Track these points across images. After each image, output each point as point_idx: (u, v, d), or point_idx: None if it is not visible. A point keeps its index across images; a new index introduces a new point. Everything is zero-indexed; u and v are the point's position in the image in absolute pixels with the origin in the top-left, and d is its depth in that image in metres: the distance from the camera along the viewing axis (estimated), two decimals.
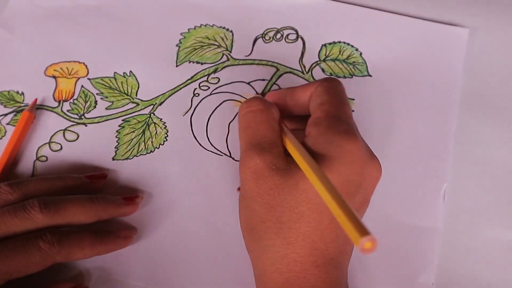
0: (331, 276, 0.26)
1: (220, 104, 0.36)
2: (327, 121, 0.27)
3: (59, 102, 0.36)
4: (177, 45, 0.38)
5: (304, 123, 0.29)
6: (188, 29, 0.38)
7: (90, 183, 0.32)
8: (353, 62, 0.37)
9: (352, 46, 0.37)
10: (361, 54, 0.37)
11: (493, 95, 0.36)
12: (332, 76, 0.29)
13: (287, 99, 0.31)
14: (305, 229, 0.25)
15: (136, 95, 0.36)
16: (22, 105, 0.36)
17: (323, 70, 0.37)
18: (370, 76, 0.37)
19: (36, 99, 0.36)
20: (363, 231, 0.18)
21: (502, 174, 0.34)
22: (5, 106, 0.36)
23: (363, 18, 0.38)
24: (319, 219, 0.25)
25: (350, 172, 0.26)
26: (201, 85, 0.36)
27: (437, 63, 0.37)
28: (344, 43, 0.38)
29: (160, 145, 0.35)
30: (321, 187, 0.22)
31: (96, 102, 0.36)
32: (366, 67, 0.37)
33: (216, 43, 0.38)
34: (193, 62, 0.37)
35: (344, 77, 0.37)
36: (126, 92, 0.36)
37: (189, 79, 0.37)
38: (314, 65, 0.37)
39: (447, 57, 0.37)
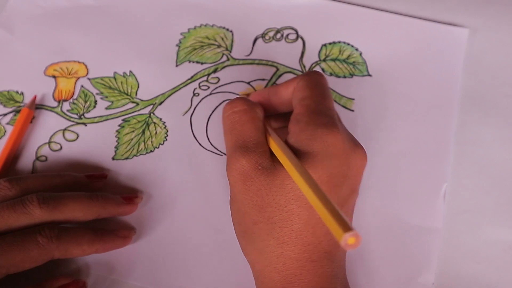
0: (327, 269, 0.26)
1: (220, 104, 0.36)
2: (308, 116, 0.27)
3: (59, 102, 0.36)
4: (177, 45, 0.38)
5: (286, 121, 0.29)
6: (188, 29, 0.38)
7: (90, 183, 0.32)
8: (353, 62, 0.37)
9: (352, 46, 0.37)
10: (361, 54, 0.37)
11: (493, 95, 0.36)
12: (315, 70, 0.29)
13: (271, 98, 0.31)
14: (296, 226, 0.25)
15: (136, 95, 0.36)
16: (21, 104, 0.36)
17: (323, 70, 0.37)
18: (370, 76, 0.37)
19: (36, 96, 0.36)
20: (346, 227, 0.18)
21: (502, 174, 0.34)
22: (4, 106, 0.36)
23: (363, 18, 0.38)
24: (309, 215, 0.25)
25: (334, 165, 0.26)
26: (201, 85, 0.36)
27: (437, 63, 0.37)
28: (344, 43, 0.38)
29: (160, 145, 0.35)
30: (303, 184, 0.22)
31: (96, 102, 0.36)
32: (366, 67, 0.37)
33: (216, 43, 0.38)
34: (193, 62, 0.37)
35: (344, 77, 0.37)
36: (126, 92, 0.36)
37: (189, 79, 0.37)
38: (314, 65, 0.37)
39: (447, 57, 0.37)
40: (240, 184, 0.26)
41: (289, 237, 0.25)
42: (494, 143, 0.35)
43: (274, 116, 0.32)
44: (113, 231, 0.31)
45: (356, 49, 0.37)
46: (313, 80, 0.29)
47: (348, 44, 0.38)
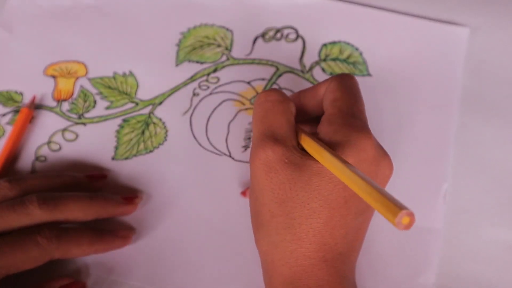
0: (338, 270, 0.26)
1: (220, 104, 0.36)
2: (341, 118, 0.26)
3: (58, 101, 0.36)
4: (176, 45, 0.37)
5: (315, 127, 0.28)
6: (188, 29, 0.38)
7: (89, 183, 0.32)
8: (353, 61, 0.37)
9: (352, 45, 0.37)
10: (361, 54, 0.37)
11: (493, 95, 0.36)
12: (346, 72, 0.29)
13: (301, 100, 0.30)
14: (315, 225, 0.25)
15: (136, 95, 0.36)
16: (20, 104, 0.36)
17: (323, 70, 0.37)
18: (370, 76, 0.37)
19: (35, 95, 0.36)
20: (400, 206, 0.17)
21: (502, 174, 0.34)
22: (4, 106, 0.36)
23: (363, 17, 0.38)
24: (330, 215, 0.25)
25: (364, 170, 0.25)
26: (200, 84, 0.36)
27: (438, 63, 0.37)
28: (344, 42, 0.37)
29: (160, 145, 0.35)
30: (346, 172, 0.21)
31: (95, 102, 0.36)
32: (366, 67, 0.37)
33: (216, 43, 0.37)
34: (193, 62, 0.37)
35: None
36: (125, 92, 0.36)
37: (188, 79, 0.36)
38: (314, 64, 0.37)
39: (448, 56, 0.37)
40: (262, 174, 0.26)
41: (306, 234, 0.25)
42: (494, 143, 0.35)
43: (301, 123, 0.31)
44: (113, 231, 0.31)
45: (357, 49, 0.37)
46: (345, 82, 0.28)
47: (349, 43, 0.37)
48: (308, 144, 0.26)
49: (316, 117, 0.29)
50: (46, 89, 0.36)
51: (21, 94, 0.36)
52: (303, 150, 0.26)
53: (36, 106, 0.36)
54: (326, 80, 0.29)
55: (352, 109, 0.27)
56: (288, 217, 0.25)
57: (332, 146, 0.25)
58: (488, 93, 0.36)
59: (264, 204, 0.26)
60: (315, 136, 0.27)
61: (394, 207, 0.17)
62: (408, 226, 0.17)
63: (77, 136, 0.35)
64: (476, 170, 0.34)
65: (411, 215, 0.17)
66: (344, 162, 0.22)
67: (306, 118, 0.31)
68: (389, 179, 0.28)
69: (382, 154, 0.27)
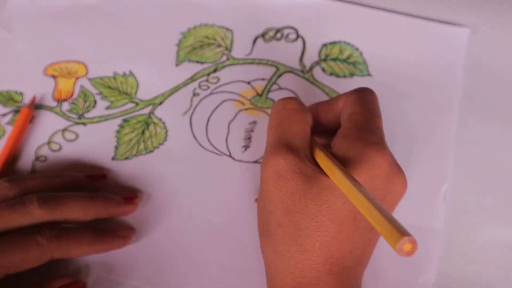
0: (344, 284, 0.25)
1: (220, 104, 0.36)
2: (357, 132, 0.26)
3: (58, 101, 0.36)
4: (177, 45, 0.37)
5: (331, 140, 0.28)
6: (188, 29, 0.38)
7: (89, 183, 0.32)
8: (354, 61, 0.37)
9: (352, 45, 0.37)
10: (361, 54, 0.37)
11: (493, 95, 0.36)
12: (366, 87, 0.29)
13: (319, 111, 0.30)
14: (323, 238, 0.25)
15: (136, 95, 0.36)
16: (21, 104, 0.36)
17: (323, 70, 0.37)
18: (370, 76, 0.37)
19: (35, 95, 0.36)
20: (403, 232, 0.17)
21: (502, 174, 0.34)
22: (4, 106, 0.36)
23: (363, 17, 0.38)
24: (338, 229, 0.25)
25: (375, 187, 0.25)
26: (201, 84, 0.36)
27: (438, 63, 0.37)
28: (345, 42, 0.37)
29: (160, 145, 0.35)
30: (354, 190, 0.21)
31: (95, 102, 0.36)
32: (367, 67, 0.37)
33: (216, 43, 0.37)
34: (193, 62, 0.37)
35: (344, 76, 0.36)
36: (125, 92, 0.36)
37: (188, 79, 0.36)
38: (314, 64, 0.37)
39: (448, 56, 0.37)
40: (272, 183, 0.26)
41: (312, 246, 0.25)
42: (494, 143, 0.35)
43: (317, 134, 0.31)
44: (113, 231, 0.31)
45: (357, 49, 0.37)
46: (364, 96, 0.28)
47: (349, 43, 0.37)
48: (321, 158, 0.26)
49: (333, 129, 0.29)
50: (46, 89, 0.36)
51: (21, 94, 0.36)
52: (316, 162, 0.26)
53: (36, 106, 0.36)
54: (346, 93, 0.29)
55: (369, 124, 0.27)
56: (295, 227, 0.25)
57: (345, 160, 0.25)
58: (488, 93, 0.36)
59: (271, 213, 0.26)
60: (328, 150, 0.27)
61: (397, 233, 0.17)
62: (409, 253, 0.17)
63: (77, 136, 0.35)
64: (476, 170, 0.34)
65: (413, 242, 0.17)
66: (353, 180, 0.22)
67: (322, 130, 0.31)
68: (402, 196, 0.27)
69: (396, 171, 0.26)
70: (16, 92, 0.36)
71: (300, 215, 0.25)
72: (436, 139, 0.34)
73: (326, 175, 0.25)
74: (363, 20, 0.38)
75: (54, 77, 0.37)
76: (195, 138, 0.35)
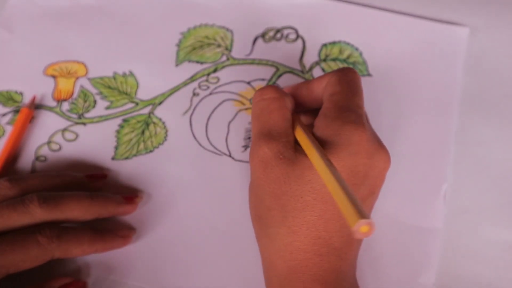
0: (333, 265, 0.26)
1: (220, 104, 0.36)
2: (335, 111, 0.27)
3: (58, 101, 0.36)
4: (176, 45, 0.37)
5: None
6: (188, 29, 0.38)
7: (90, 182, 0.32)
8: (353, 62, 0.37)
9: (352, 45, 0.37)
10: (361, 54, 0.37)
11: (493, 95, 0.36)
12: (348, 66, 0.29)
13: (303, 92, 0.31)
14: (309, 218, 0.25)
15: (136, 95, 0.36)
16: (21, 104, 0.36)
17: (323, 70, 0.37)
18: (370, 76, 0.37)
19: (35, 95, 0.36)
20: (362, 214, 0.18)
21: (502, 174, 0.34)
22: (4, 106, 0.36)
23: (363, 17, 0.38)
24: (324, 208, 0.25)
25: (356, 164, 0.26)
26: (200, 84, 0.36)
27: (437, 63, 0.37)
28: (344, 42, 0.37)
29: (160, 145, 0.35)
30: (325, 170, 0.22)
31: (95, 101, 0.36)
32: (366, 67, 0.37)
33: (216, 43, 0.37)
34: (193, 62, 0.37)
35: None
36: (125, 91, 0.36)
37: (188, 79, 0.36)
38: (314, 64, 0.37)
39: (448, 56, 0.37)
40: (260, 170, 0.26)
41: (300, 227, 0.26)
42: (494, 143, 0.35)
43: (304, 113, 0.32)
44: (113, 231, 0.31)
45: (356, 49, 0.37)
46: (345, 77, 0.28)
47: (348, 44, 0.37)
48: (301, 138, 0.26)
49: (319, 109, 0.30)
50: (46, 89, 0.36)
51: (21, 94, 0.36)
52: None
53: (36, 106, 0.36)
54: (328, 73, 0.29)
55: (348, 102, 0.27)
56: (283, 210, 0.26)
57: (325, 140, 0.26)
58: (488, 93, 0.36)
59: (261, 199, 0.27)
60: (310, 129, 0.27)
61: (357, 215, 0.18)
62: (366, 234, 0.18)
63: (77, 136, 0.35)
64: (476, 170, 0.34)
65: (370, 224, 0.18)
66: (325, 159, 0.23)
67: (305, 109, 0.31)
68: (386, 171, 0.28)
69: (377, 147, 0.27)
70: (16, 92, 0.36)
71: (286, 197, 0.26)
72: (436, 139, 0.34)
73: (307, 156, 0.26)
74: (362, 20, 0.38)
75: (54, 77, 0.37)
76: (195, 138, 0.35)
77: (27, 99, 0.36)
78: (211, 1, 0.39)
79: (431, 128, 0.35)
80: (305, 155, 0.26)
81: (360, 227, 0.18)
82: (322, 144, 0.26)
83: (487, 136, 0.35)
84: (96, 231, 0.30)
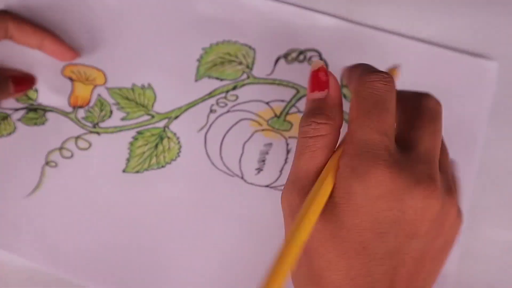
0: None
1: (237, 122, 0.35)
2: (355, 147, 0.24)
3: (74, 108, 0.36)
4: (197, 60, 0.37)
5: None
6: (210, 44, 0.37)
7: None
8: None
9: None
10: None
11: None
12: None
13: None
14: (334, 277, 0.23)
15: (152, 108, 0.36)
16: (35, 103, 0.35)
17: (344, 96, 0.36)
18: None
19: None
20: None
21: (502, 174, 0.34)
22: (17, 101, 0.35)
23: (388, 44, 0.37)
24: (348, 266, 0.23)
25: (379, 209, 0.22)
26: (218, 101, 0.36)
27: (464, 97, 0.36)
28: None
29: (172, 161, 0.34)
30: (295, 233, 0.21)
31: (111, 111, 0.35)
32: None
33: (238, 60, 0.37)
34: (213, 78, 0.36)
35: None
36: (142, 104, 0.36)
37: (207, 95, 0.36)
38: None
39: (475, 91, 0.36)
40: (286, 218, 0.25)
41: (326, 287, 0.24)
42: (494, 143, 0.34)
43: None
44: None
45: None
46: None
47: None
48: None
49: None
50: (62, 90, 0.36)
51: (36, 91, 0.36)
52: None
53: (50, 109, 0.35)
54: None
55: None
56: (310, 268, 0.24)
57: (344, 178, 0.23)
58: None
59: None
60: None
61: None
62: None
63: (90, 145, 0.35)
64: (476, 170, 0.34)
65: None
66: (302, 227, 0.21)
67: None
68: (429, 211, 0.23)
69: (409, 184, 0.22)
70: (31, 89, 0.36)
71: (311, 254, 0.24)
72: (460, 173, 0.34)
73: None
74: (388, 47, 0.37)
75: (71, 80, 0.36)
76: (208, 156, 0.34)
77: (41, 98, 0.35)
78: (236, 18, 0.38)
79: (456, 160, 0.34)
80: None
81: None
82: (337, 188, 0.23)
83: (487, 136, 0.35)
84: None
